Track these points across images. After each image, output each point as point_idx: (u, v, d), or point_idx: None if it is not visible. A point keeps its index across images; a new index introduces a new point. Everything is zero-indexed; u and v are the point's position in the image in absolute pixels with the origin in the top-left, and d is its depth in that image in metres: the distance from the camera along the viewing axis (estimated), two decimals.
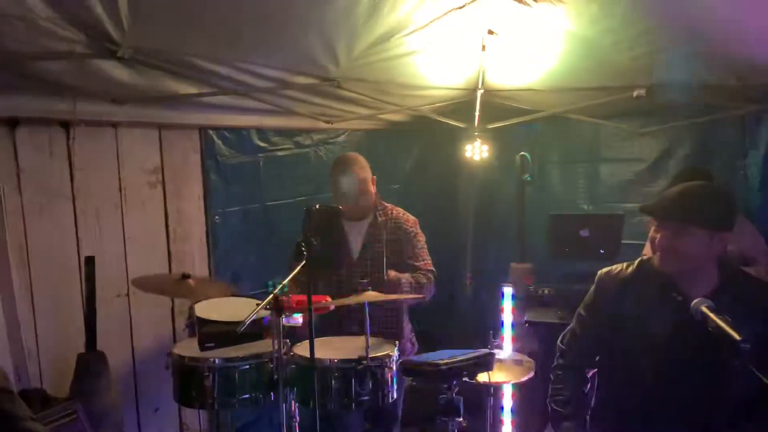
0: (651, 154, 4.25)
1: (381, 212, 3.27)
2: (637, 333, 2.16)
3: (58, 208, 2.96)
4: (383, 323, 3.20)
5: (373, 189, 3.24)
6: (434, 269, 3.23)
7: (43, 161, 2.89)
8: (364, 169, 3.21)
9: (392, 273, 3.02)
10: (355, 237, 3.23)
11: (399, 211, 3.31)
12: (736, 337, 1.67)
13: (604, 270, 2.31)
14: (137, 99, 2.91)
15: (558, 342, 2.44)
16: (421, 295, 3.08)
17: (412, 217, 3.31)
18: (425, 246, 3.26)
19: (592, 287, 2.33)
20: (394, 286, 2.97)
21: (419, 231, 3.28)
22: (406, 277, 3.03)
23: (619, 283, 2.24)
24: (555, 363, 2.41)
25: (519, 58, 3.24)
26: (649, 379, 2.14)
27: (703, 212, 2.03)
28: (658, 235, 2.11)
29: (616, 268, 2.28)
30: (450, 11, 2.62)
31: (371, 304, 2.64)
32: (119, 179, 3.19)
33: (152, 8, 2.15)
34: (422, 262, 3.20)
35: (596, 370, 2.39)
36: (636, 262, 2.27)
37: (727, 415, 2.07)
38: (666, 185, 3.78)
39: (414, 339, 3.41)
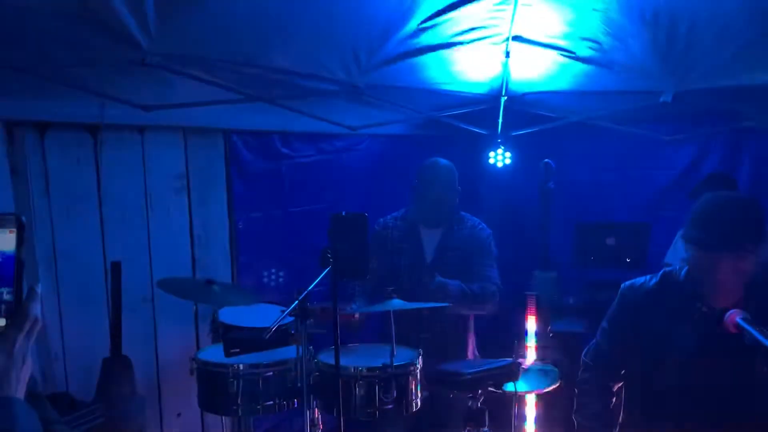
0: (680, 162, 4.18)
1: (458, 221, 3.28)
2: (662, 346, 2.13)
3: (84, 212, 2.99)
4: (449, 333, 3.22)
5: (455, 199, 3.27)
6: (499, 284, 3.24)
7: (70, 166, 2.93)
8: (452, 176, 3.26)
9: (440, 278, 3.04)
10: (430, 244, 3.26)
11: (475, 222, 3.33)
12: None
13: (628, 283, 2.28)
14: (164, 105, 2.93)
15: (582, 355, 2.41)
16: (474, 307, 3.14)
17: (488, 230, 3.33)
18: (495, 261, 3.28)
19: (616, 300, 2.30)
20: (441, 291, 2.96)
21: (492, 244, 3.30)
22: (455, 283, 3.02)
23: (643, 296, 2.21)
24: (580, 377, 2.38)
25: (545, 63, 3.20)
26: (676, 392, 2.11)
27: (754, 231, 1.98)
28: (706, 263, 2.02)
29: (639, 280, 2.25)
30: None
31: (433, 312, 2.71)
32: (145, 184, 3.21)
33: (179, 14, 2.16)
34: (487, 276, 3.20)
35: (622, 383, 2.35)
36: (660, 274, 2.23)
37: (757, 427, 2.02)
38: (691, 194, 3.71)
39: (477, 353, 3.40)
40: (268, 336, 2.19)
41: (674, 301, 2.13)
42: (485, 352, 3.45)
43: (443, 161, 3.33)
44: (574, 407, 2.35)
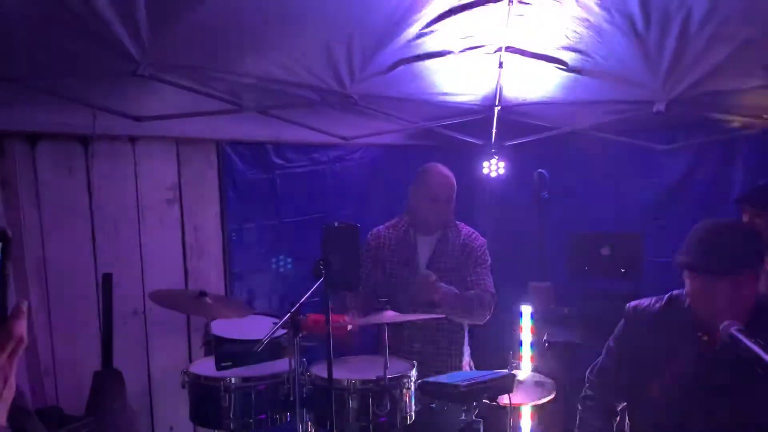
0: (675, 171, 4.18)
1: (453, 229, 3.28)
2: (662, 371, 2.13)
3: (76, 224, 2.97)
4: (443, 345, 3.20)
5: (452, 205, 3.29)
6: (494, 292, 3.23)
7: (62, 177, 2.91)
8: (450, 182, 3.29)
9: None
10: (424, 250, 3.26)
11: (469, 231, 3.34)
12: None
13: (633, 304, 2.28)
14: (156, 116, 2.91)
15: (587, 372, 2.41)
16: (469, 314, 3.11)
17: (482, 239, 3.34)
18: (489, 269, 3.28)
19: (621, 321, 2.30)
20: (431, 289, 2.98)
21: (486, 253, 3.30)
22: (448, 288, 3.01)
23: (647, 319, 2.21)
24: (584, 393, 2.38)
25: (538, 73, 3.20)
26: (674, 418, 2.11)
27: (750, 254, 1.97)
28: (704, 289, 2.01)
29: (645, 302, 2.25)
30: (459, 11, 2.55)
31: (427, 323, 2.73)
32: (137, 195, 3.19)
33: (171, 25, 2.15)
34: (481, 284, 3.20)
35: (625, 404, 2.34)
36: (665, 297, 2.22)
37: None
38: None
39: (472, 364, 3.38)
40: (260, 349, 2.17)
41: (677, 328, 2.13)
42: (480, 364, 3.43)
43: (442, 167, 3.35)
44: (577, 422, 2.34)
